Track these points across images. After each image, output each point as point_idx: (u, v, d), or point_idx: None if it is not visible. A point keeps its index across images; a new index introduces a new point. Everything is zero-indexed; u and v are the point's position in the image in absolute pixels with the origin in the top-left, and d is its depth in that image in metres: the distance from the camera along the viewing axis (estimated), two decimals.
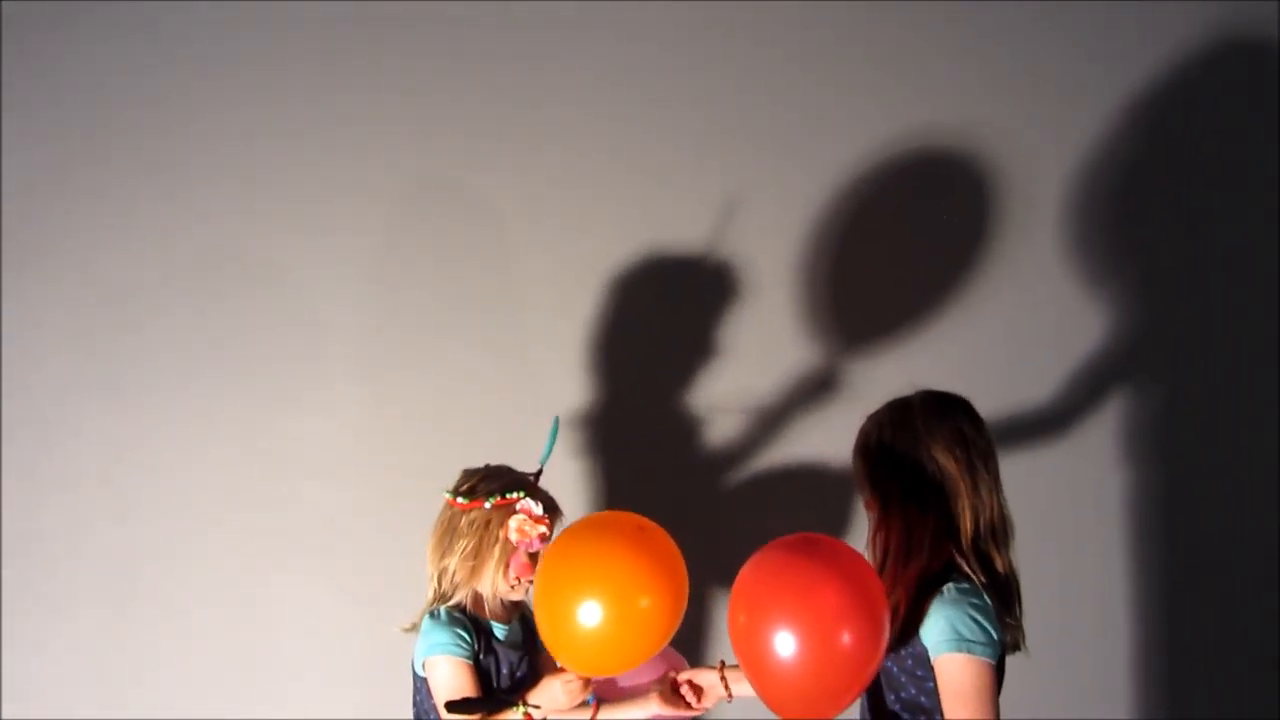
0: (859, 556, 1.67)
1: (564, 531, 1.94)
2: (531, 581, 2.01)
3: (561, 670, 1.96)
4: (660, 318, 2.69)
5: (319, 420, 2.62)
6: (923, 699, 1.75)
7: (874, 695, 1.86)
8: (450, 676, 1.97)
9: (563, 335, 2.66)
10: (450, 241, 2.65)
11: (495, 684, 2.02)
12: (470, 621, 2.02)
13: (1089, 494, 2.78)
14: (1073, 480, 2.76)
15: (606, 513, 2.19)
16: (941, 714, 1.72)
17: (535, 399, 2.57)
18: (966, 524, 1.74)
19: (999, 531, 1.77)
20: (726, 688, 2.00)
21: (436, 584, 2.02)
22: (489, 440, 2.37)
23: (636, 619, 1.79)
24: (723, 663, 2.03)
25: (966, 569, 1.74)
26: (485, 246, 2.66)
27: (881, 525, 1.78)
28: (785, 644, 1.61)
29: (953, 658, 1.68)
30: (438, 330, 2.64)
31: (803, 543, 1.71)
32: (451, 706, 1.93)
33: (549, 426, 2.09)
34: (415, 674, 2.08)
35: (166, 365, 2.57)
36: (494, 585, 2.01)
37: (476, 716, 1.93)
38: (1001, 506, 1.77)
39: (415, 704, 2.11)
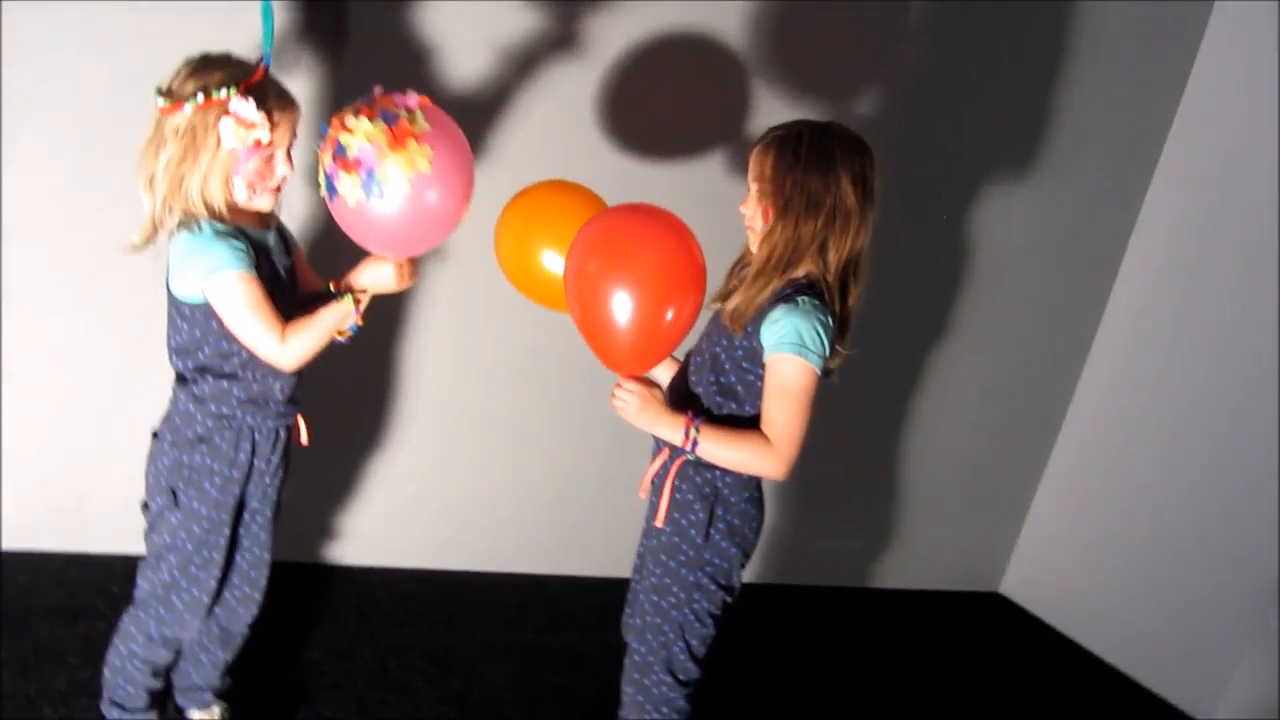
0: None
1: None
2: (274, 189, 1.85)
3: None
4: None
5: None
6: (740, 388, 1.97)
7: (682, 378, 2.06)
8: (248, 290, 1.82)
9: None
10: None
11: (273, 291, 1.87)
12: (237, 232, 1.83)
13: None
14: None
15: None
16: (752, 404, 1.96)
17: None
18: (840, 254, 1.89)
19: (860, 270, 1.94)
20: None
21: (152, 198, 1.80)
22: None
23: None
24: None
25: (825, 291, 1.90)
26: None
27: (775, 228, 1.89)
28: (623, 303, 1.82)
29: (790, 358, 1.86)
30: None
31: (657, 213, 1.91)
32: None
33: (260, 9, 1.85)
34: (179, 300, 1.87)
35: None
36: (220, 195, 1.80)
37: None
38: (865, 251, 1.93)
39: (180, 331, 1.91)
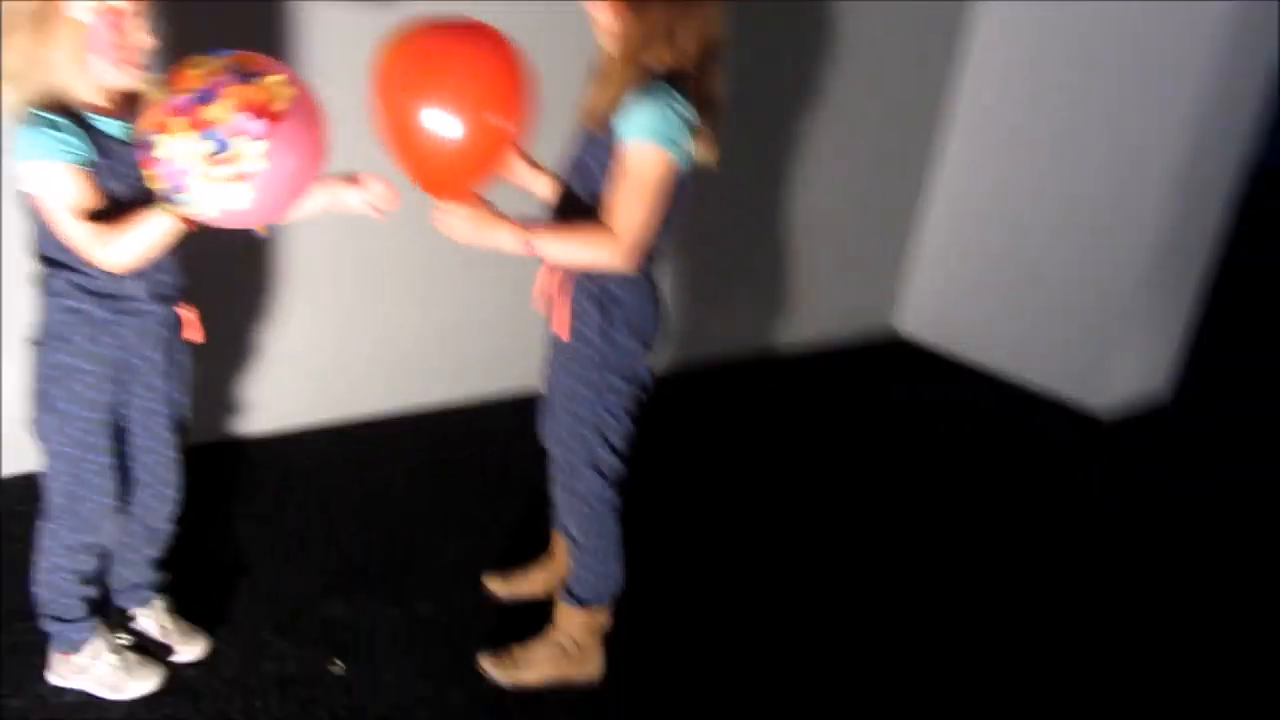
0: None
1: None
2: (135, 64, 1.73)
3: None
4: None
5: None
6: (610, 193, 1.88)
7: (561, 191, 2.01)
8: (62, 184, 1.69)
9: None
10: None
11: (119, 187, 1.75)
12: (76, 119, 1.71)
13: None
14: None
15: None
16: None
17: None
18: (693, 38, 1.83)
19: (719, 53, 1.88)
20: None
21: (10, 90, 1.69)
22: None
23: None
24: None
25: (687, 80, 1.84)
26: None
27: (622, 21, 1.82)
28: (440, 120, 1.74)
29: (642, 144, 1.80)
30: None
31: (462, 26, 1.81)
32: (95, 216, 1.72)
33: None
34: (20, 191, 1.77)
35: None
36: (78, 78, 1.70)
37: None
38: (721, 36, 1.87)
39: (30, 224, 1.81)
